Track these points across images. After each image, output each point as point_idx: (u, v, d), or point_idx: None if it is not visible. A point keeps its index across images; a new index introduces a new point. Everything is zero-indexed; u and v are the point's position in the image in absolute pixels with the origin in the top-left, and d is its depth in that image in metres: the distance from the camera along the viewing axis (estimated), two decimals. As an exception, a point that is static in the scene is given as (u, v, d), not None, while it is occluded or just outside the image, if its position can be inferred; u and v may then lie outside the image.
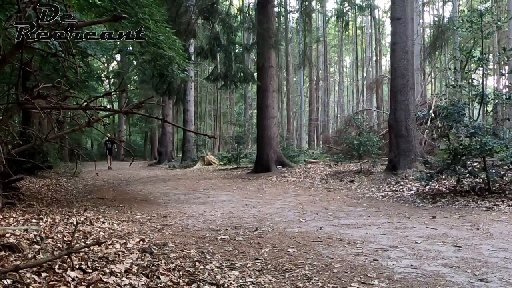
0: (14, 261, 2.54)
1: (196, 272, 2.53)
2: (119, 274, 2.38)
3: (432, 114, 10.84)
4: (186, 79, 12.05)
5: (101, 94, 3.16)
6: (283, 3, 22.71)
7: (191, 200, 6.78)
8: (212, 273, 2.53)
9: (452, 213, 4.84)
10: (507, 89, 8.78)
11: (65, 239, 3.38)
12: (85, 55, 7.03)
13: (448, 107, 6.41)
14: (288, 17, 26.17)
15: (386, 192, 6.99)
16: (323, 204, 5.94)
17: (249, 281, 2.41)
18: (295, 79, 30.56)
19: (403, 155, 8.39)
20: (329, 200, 6.41)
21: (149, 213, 5.27)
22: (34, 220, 4.28)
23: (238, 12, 14.02)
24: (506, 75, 12.42)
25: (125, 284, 2.23)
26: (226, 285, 2.32)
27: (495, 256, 2.93)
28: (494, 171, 5.94)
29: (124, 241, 3.37)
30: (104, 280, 2.25)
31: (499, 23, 7.18)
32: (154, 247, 3.20)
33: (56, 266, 2.39)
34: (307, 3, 17.97)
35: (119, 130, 32.74)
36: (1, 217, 4.30)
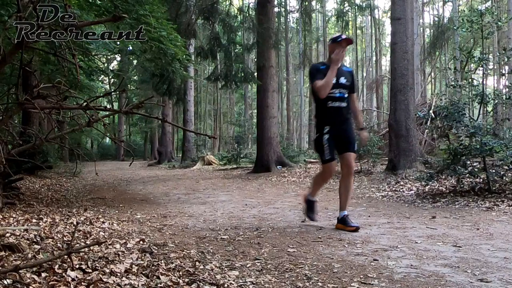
0: (14, 261, 2.54)
1: (196, 272, 2.53)
2: (119, 274, 2.38)
3: (432, 114, 10.85)
4: (187, 77, 12.06)
5: (101, 94, 3.16)
6: (283, 3, 22.71)
7: (191, 200, 6.78)
8: (212, 273, 2.53)
9: (452, 213, 4.84)
10: (507, 89, 8.78)
11: (65, 239, 3.38)
12: (85, 56, 7.03)
13: (448, 107, 6.41)
14: (288, 17, 26.19)
15: (386, 192, 6.99)
16: (323, 204, 5.93)
17: (249, 281, 2.41)
18: (295, 79, 30.56)
19: (403, 155, 8.39)
20: (329, 200, 6.40)
21: (149, 213, 5.27)
22: (34, 220, 4.28)
23: (238, 12, 14.02)
24: (506, 75, 12.43)
25: (125, 284, 2.23)
26: (226, 285, 2.32)
27: (495, 256, 2.93)
28: (494, 171, 5.94)
29: (124, 241, 3.37)
30: (104, 280, 2.25)
31: (499, 23, 7.18)
32: (154, 247, 3.20)
33: (56, 266, 2.39)
34: (307, 3, 17.97)
35: (119, 130, 32.75)
36: (1, 217, 4.30)
